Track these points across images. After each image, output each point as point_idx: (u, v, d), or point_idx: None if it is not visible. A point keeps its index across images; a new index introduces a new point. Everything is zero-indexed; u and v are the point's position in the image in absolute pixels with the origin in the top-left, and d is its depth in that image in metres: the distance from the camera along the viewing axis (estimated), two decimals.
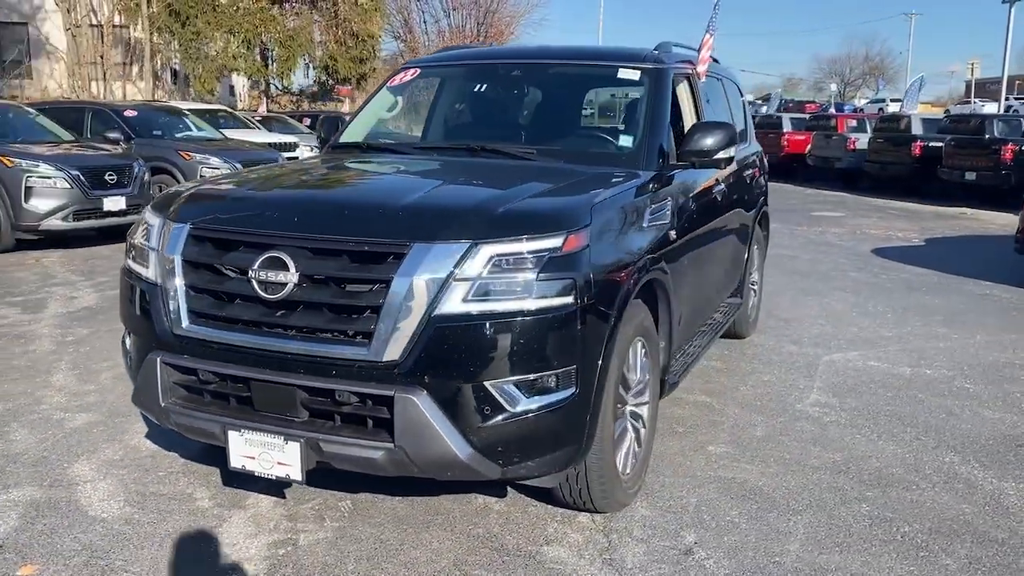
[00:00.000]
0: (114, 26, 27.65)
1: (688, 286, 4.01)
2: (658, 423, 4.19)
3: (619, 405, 3.24)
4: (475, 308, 2.67)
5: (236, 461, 2.90)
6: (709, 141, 3.87)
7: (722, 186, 4.64)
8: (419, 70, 4.75)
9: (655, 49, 4.52)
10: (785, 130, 23.11)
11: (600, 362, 2.90)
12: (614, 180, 3.50)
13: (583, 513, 3.30)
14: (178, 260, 2.99)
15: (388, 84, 4.71)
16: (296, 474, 2.81)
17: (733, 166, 5.08)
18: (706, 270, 4.42)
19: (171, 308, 2.98)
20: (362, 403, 2.77)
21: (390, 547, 3.05)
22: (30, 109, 11.41)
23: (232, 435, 2.88)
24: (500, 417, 2.72)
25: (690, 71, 4.66)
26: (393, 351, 2.67)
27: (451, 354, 2.68)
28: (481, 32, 42.29)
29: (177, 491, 3.46)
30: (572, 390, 2.81)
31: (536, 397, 2.76)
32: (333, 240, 2.79)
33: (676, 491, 3.56)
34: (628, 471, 3.38)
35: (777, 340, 6.04)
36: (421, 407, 2.66)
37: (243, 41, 27.38)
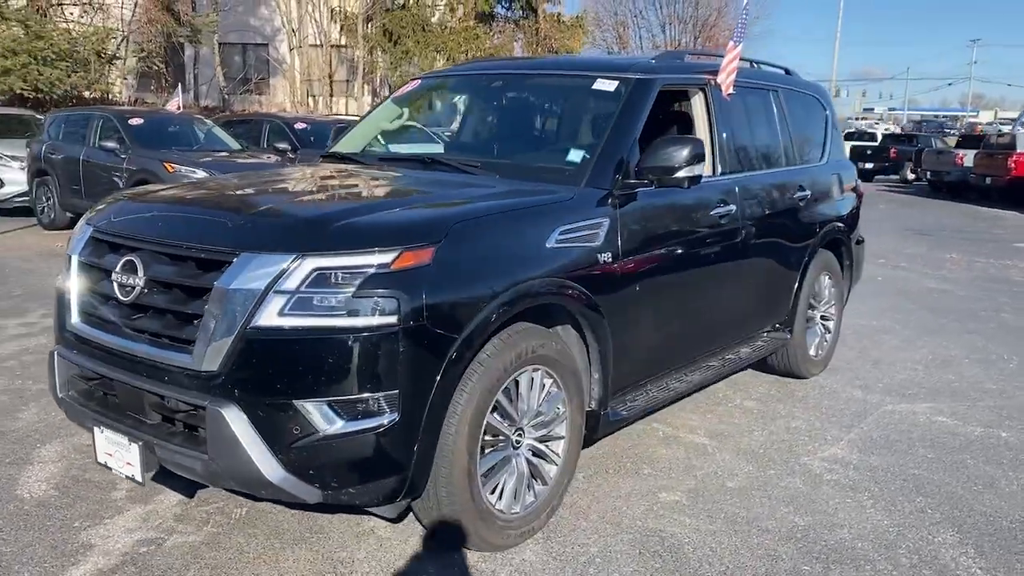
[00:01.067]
0: (333, 46, 29.84)
1: (648, 315, 3.67)
2: (626, 462, 3.92)
3: (494, 436, 3.01)
4: (290, 323, 2.59)
5: (100, 457, 2.99)
6: (667, 158, 3.53)
7: (731, 209, 4.19)
8: (420, 82, 4.71)
9: (654, 58, 4.20)
10: (1019, 150, 20.44)
11: (435, 389, 2.70)
12: (517, 196, 3.28)
13: (470, 551, 3.10)
14: (75, 260, 3.15)
15: (393, 96, 4.71)
16: (138, 475, 2.85)
17: (771, 191, 4.60)
18: (692, 300, 4.02)
19: (68, 305, 3.14)
20: (190, 411, 2.77)
21: (244, 559, 3.02)
22: (207, 121, 12.57)
23: (96, 431, 2.98)
24: (312, 438, 2.61)
25: (704, 83, 4.27)
26: (212, 361, 2.64)
27: (264, 369, 2.61)
28: (697, 46, 41.47)
29: (107, 480, 3.63)
30: (393, 416, 2.64)
31: (353, 421, 2.63)
32: (171, 245, 2.82)
33: (583, 537, 3.26)
34: (516, 510, 3.13)
35: (844, 383, 5.38)
36: (229, 421, 2.61)
37: (448, 59, 28.60)
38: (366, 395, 2.62)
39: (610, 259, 3.39)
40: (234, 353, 2.61)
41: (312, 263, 2.60)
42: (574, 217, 3.29)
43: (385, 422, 2.64)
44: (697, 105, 4.34)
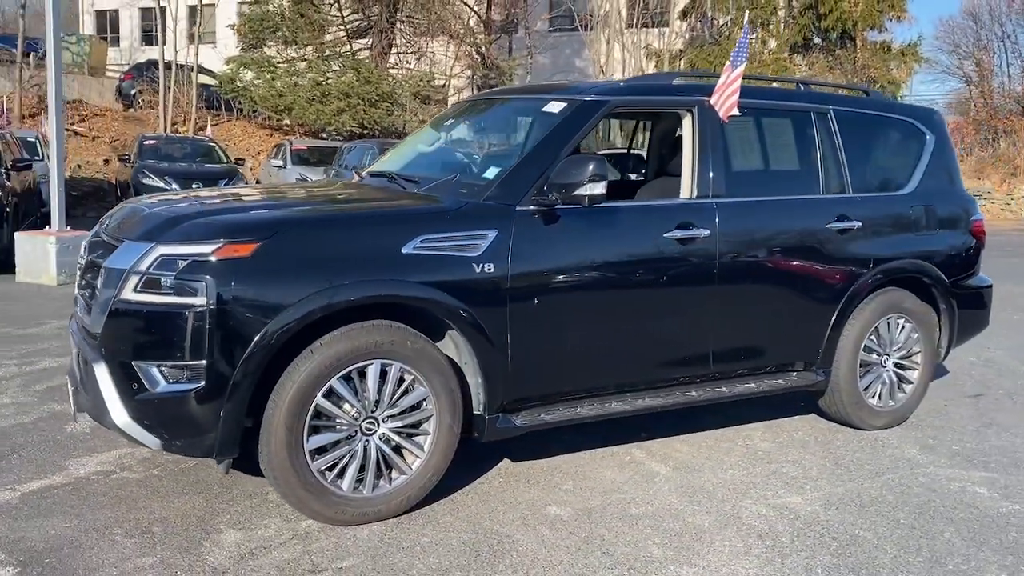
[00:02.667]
0: None
1: (557, 333, 3.76)
2: (556, 475, 4.05)
3: (328, 419, 3.35)
4: (138, 298, 3.21)
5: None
6: (568, 175, 3.63)
7: (702, 232, 4.07)
8: (449, 107, 5.14)
9: (625, 81, 4.25)
10: None
11: (241, 365, 3.14)
12: (389, 206, 3.61)
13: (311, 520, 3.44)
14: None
15: (431, 122, 5.19)
16: (71, 411, 3.63)
17: (779, 218, 4.37)
18: (627, 323, 3.97)
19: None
20: (87, 365, 3.48)
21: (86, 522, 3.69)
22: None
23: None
24: (147, 395, 3.20)
25: (692, 105, 4.22)
26: (96, 325, 3.34)
27: (120, 334, 3.25)
28: None
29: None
30: (200, 384, 3.13)
31: (172, 384, 3.17)
32: (112, 237, 3.54)
33: (431, 527, 3.46)
34: (362, 492, 3.43)
35: (905, 439, 4.79)
36: (97, 374, 3.29)
37: None
38: (181, 363, 3.14)
39: (493, 271, 3.56)
40: (106, 320, 3.27)
41: (159, 250, 3.19)
42: (445, 227, 3.52)
43: (194, 388, 3.13)
44: (686, 127, 4.27)
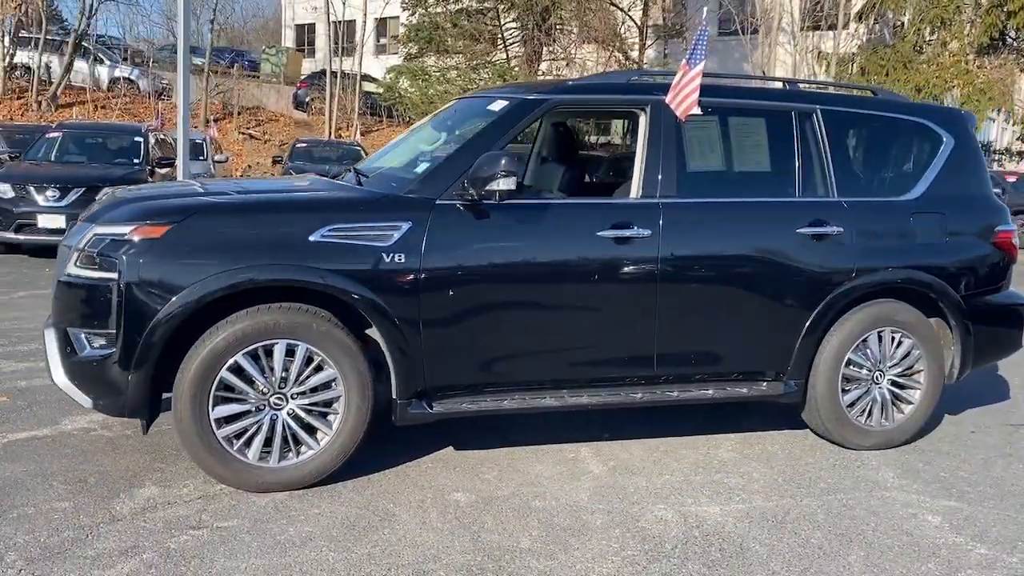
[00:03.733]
0: None
1: (474, 325, 3.88)
2: (484, 464, 4.14)
3: (234, 391, 3.63)
4: (75, 271, 3.64)
5: None
6: (479, 170, 3.74)
7: (643, 232, 4.04)
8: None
9: (574, 80, 4.29)
10: None
11: (145, 335, 3.48)
12: (312, 196, 3.86)
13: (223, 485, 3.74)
14: None
15: (427, 120, 5.39)
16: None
17: (739, 220, 4.26)
18: (551, 319, 4.00)
19: None
20: None
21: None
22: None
23: None
24: (77, 358, 3.62)
25: (644, 104, 4.21)
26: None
27: (61, 303, 3.70)
28: None
29: None
30: (113, 350, 3.51)
31: (92, 349, 3.57)
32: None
33: (310, 497, 3.66)
34: (269, 462, 3.69)
35: (884, 464, 4.48)
36: (46, 338, 3.76)
37: (928, 95, 26.15)
38: (99, 331, 3.53)
39: (404, 261, 3.72)
40: (55, 291, 3.73)
41: (94, 230, 3.61)
42: (355, 218, 3.72)
43: (108, 354, 3.51)
44: (640, 127, 4.25)
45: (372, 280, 3.69)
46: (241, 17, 48.51)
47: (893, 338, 4.56)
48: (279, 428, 3.71)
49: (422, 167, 4.04)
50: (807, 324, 4.36)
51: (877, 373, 4.57)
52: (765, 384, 4.46)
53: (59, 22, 31.65)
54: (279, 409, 3.71)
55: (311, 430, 3.76)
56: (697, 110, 4.19)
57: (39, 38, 24.34)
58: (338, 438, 3.77)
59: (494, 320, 3.91)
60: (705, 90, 4.26)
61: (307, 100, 27.91)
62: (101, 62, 26.65)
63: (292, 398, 3.71)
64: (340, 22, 29.83)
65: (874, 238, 4.47)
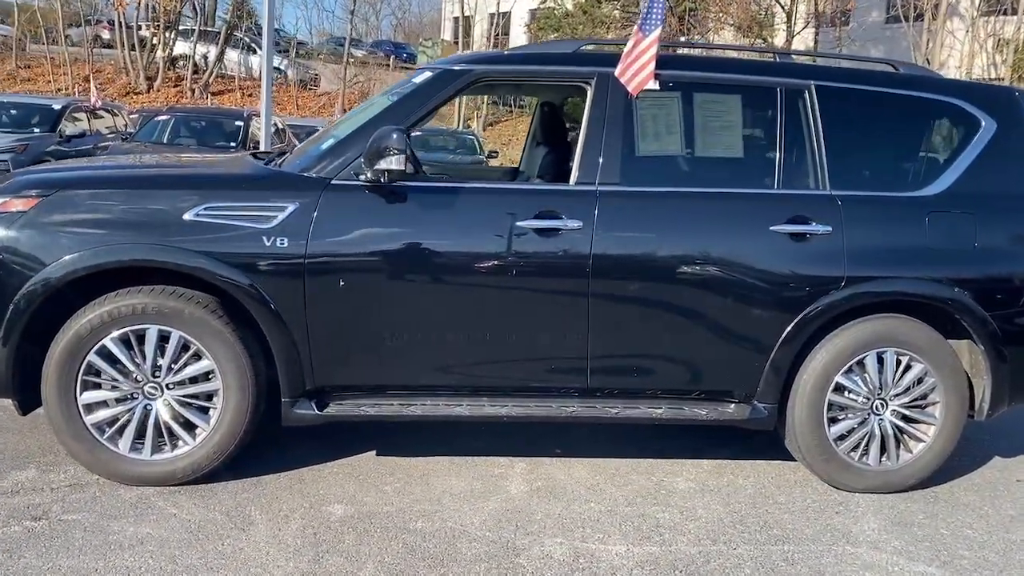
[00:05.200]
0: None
1: (370, 319, 3.51)
2: (396, 474, 3.80)
3: (102, 377, 3.42)
4: None
5: None
6: (370, 149, 3.36)
7: (573, 224, 3.53)
8: None
9: (510, 49, 3.80)
10: None
11: (11, 311, 3.32)
12: (182, 172, 3.62)
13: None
14: None
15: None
16: None
17: (694, 214, 3.66)
18: (457, 316, 3.55)
19: None
20: None
21: None
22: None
23: None
24: None
25: (589, 77, 3.69)
26: None
27: None
28: None
29: None
30: None
31: None
32: None
33: (179, 493, 3.41)
34: (143, 455, 3.47)
35: (874, 512, 3.73)
36: None
37: None
38: None
39: (286, 245, 3.40)
40: None
41: None
42: (234, 197, 3.43)
43: None
44: (586, 103, 3.72)
45: (249, 265, 3.38)
46: (418, 12, 49.91)
47: (899, 361, 3.79)
48: (152, 419, 3.47)
49: (327, 143, 3.68)
50: (780, 339, 3.68)
51: (877, 402, 3.82)
52: (732, 406, 3.82)
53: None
54: (153, 399, 3.47)
55: (189, 424, 3.50)
56: (652, 84, 3.62)
57: (198, 30, 25.82)
58: (214, 435, 3.49)
59: (394, 316, 3.51)
60: (666, 62, 3.69)
61: None
62: (253, 52, 27.95)
63: (168, 388, 3.46)
64: (497, 13, 30.02)
65: (873, 241, 3.71)
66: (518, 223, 3.51)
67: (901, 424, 3.84)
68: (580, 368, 3.66)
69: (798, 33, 25.19)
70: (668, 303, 3.62)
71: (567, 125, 4.94)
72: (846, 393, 3.79)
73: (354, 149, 3.50)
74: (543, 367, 3.66)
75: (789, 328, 3.67)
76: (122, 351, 3.39)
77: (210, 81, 25.25)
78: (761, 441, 4.21)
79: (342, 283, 3.43)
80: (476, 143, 18.07)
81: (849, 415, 3.81)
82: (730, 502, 3.70)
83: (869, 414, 3.82)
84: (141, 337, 3.40)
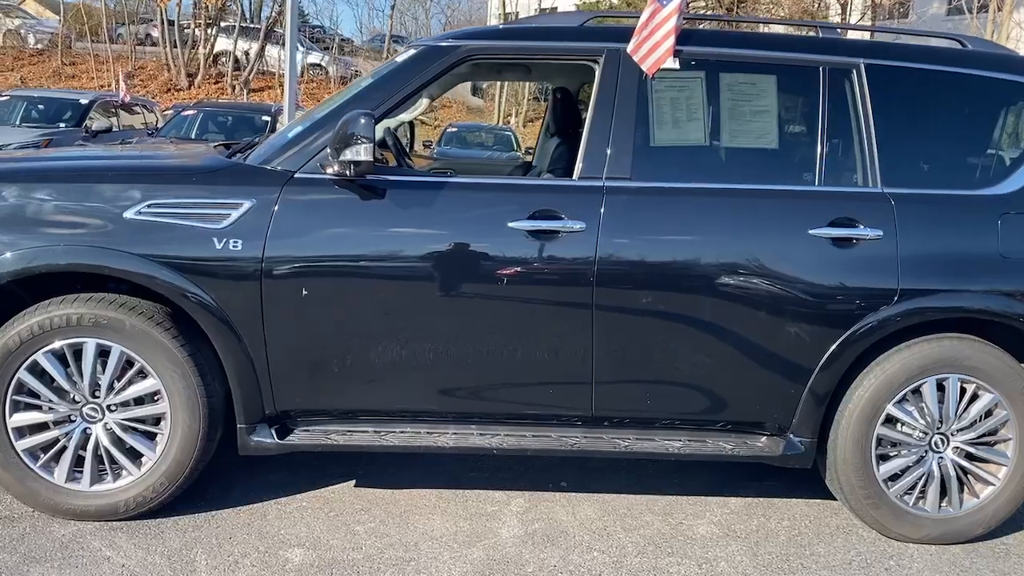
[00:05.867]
0: None
1: (340, 334, 3.04)
2: (348, 495, 3.33)
3: (42, 400, 3.00)
4: None
5: None
6: (335, 138, 2.89)
7: (574, 226, 3.02)
8: None
9: (505, 24, 3.30)
10: None
11: None
12: (126, 163, 3.19)
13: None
14: None
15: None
16: None
17: (716, 215, 3.13)
18: (445, 332, 3.06)
19: None
20: None
21: None
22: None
23: None
24: None
25: (598, 54, 3.19)
26: None
27: None
28: None
29: None
30: None
31: None
32: None
33: (119, 532, 2.98)
34: (79, 485, 3.05)
35: (933, 569, 3.16)
36: None
37: None
38: None
39: (240, 248, 2.95)
40: None
41: None
42: (182, 192, 2.98)
43: None
44: (594, 83, 3.21)
45: (197, 270, 2.93)
46: (467, 9, 49.71)
47: (963, 389, 3.20)
48: (91, 445, 3.04)
49: (293, 132, 3.21)
50: (820, 362, 3.12)
51: (936, 438, 3.24)
52: (762, 439, 3.27)
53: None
54: (93, 422, 3.04)
55: (134, 452, 3.07)
56: (672, 62, 3.10)
57: (238, 26, 25.75)
58: (162, 464, 3.05)
59: (366, 330, 3.03)
60: (688, 36, 3.16)
61: (484, 87, 27.75)
62: (295, 49, 27.80)
63: (109, 410, 3.03)
64: (540, 8, 29.53)
65: (933, 247, 3.14)
66: (510, 224, 3.01)
67: (965, 464, 3.25)
68: (583, 393, 3.14)
69: (854, 25, 24.18)
70: (687, 318, 3.09)
71: (583, 115, 4.41)
72: (899, 426, 3.21)
73: (321, 138, 3.03)
74: (541, 391, 3.16)
75: (831, 349, 3.11)
76: (56, 368, 2.97)
77: (250, 78, 25.14)
78: (798, 475, 3.64)
79: (305, 292, 2.97)
80: (513, 139, 17.60)
81: (902, 452, 3.24)
82: (758, 552, 3.15)
83: (927, 451, 3.24)
84: (78, 352, 2.97)
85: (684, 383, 3.17)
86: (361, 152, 2.80)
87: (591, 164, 3.09)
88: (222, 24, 26.48)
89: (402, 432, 3.16)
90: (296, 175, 3.01)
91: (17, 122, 12.05)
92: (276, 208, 2.96)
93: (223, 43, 26.54)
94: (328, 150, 2.93)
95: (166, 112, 16.47)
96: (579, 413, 3.19)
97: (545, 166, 4.19)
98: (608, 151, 3.09)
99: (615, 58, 3.13)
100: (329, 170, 2.96)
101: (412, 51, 3.24)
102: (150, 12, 29.03)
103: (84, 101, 12.34)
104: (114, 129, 12.22)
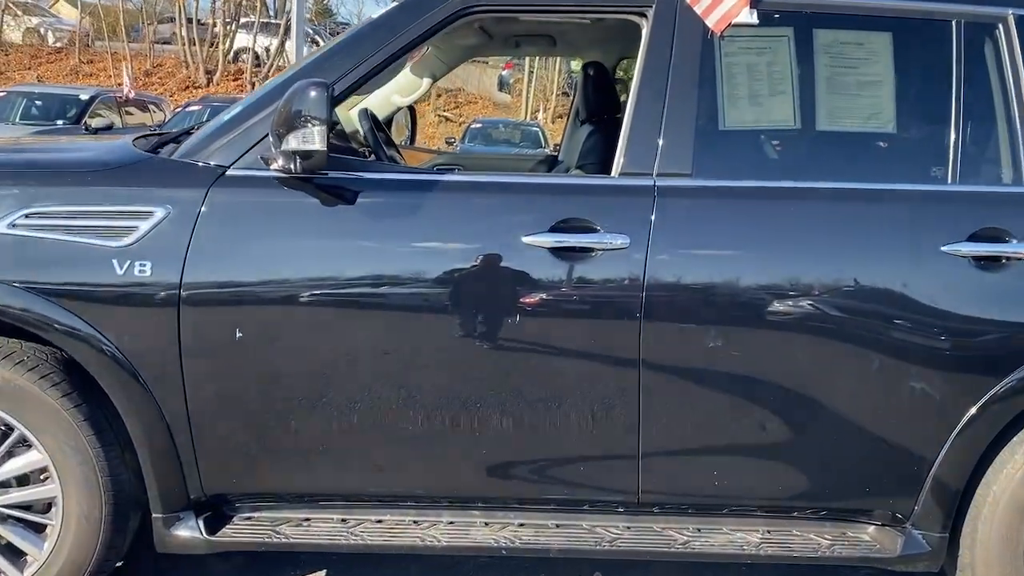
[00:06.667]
0: None
1: (290, 387, 2.22)
2: None
3: None
4: None
5: None
6: (280, 115, 2.07)
7: (615, 241, 2.17)
8: None
9: None
10: None
11: None
12: (19, 159, 2.35)
13: None
14: None
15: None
16: None
17: (818, 222, 2.26)
18: (444, 386, 2.23)
19: None
20: None
21: None
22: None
23: None
24: None
25: (644, 6, 2.32)
26: None
27: None
28: None
29: None
30: None
31: None
32: None
33: None
34: None
35: None
36: None
37: None
38: None
39: (149, 274, 2.13)
40: None
41: None
42: (72, 197, 2.17)
43: None
44: (640, 46, 2.35)
45: (91, 303, 2.12)
46: None
47: None
48: None
49: (227, 116, 2.37)
50: (955, 429, 2.24)
51: None
52: (868, 532, 2.40)
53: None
54: None
55: (14, 549, 2.26)
56: (747, 15, 2.24)
57: (258, 22, 25.18)
58: (52, 566, 2.24)
59: (326, 384, 2.20)
60: None
61: (511, 82, 26.89)
62: (316, 44, 27.14)
63: None
64: None
65: None
66: (525, 239, 2.15)
67: None
68: (627, 469, 2.28)
69: None
70: (769, 367, 2.23)
71: (622, 96, 3.57)
72: None
73: (263, 121, 2.20)
74: (568, 468, 2.31)
75: (971, 411, 2.23)
76: None
77: (270, 74, 24.47)
78: None
79: (240, 334, 2.14)
80: (541, 135, 16.76)
81: None
82: None
83: None
84: None
85: (765, 455, 2.30)
86: (312, 138, 1.96)
87: (637, 157, 2.24)
88: (242, 20, 25.86)
89: (379, 522, 2.33)
90: (228, 172, 2.19)
91: (16, 119, 11.49)
92: (200, 218, 2.14)
93: (243, 39, 25.92)
94: (269, 137, 2.09)
95: (178, 109, 15.85)
96: (620, 497, 2.33)
97: (574, 161, 3.34)
98: (660, 139, 2.23)
99: (669, 10, 2.28)
100: (273, 165, 2.13)
101: (395, 4, 2.38)
102: (172, 11, 28.56)
103: (84, 97, 11.72)
104: (116, 126, 11.56)
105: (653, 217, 2.18)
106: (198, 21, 25.85)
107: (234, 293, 2.14)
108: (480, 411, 2.22)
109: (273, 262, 2.15)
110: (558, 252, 2.16)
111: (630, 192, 2.22)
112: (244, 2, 25.35)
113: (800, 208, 2.24)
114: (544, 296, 2.17)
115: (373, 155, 2.62)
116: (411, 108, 3.99)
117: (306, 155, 2.01)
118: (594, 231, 2.17)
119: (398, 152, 2.97)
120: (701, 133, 2.24)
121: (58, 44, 26.30)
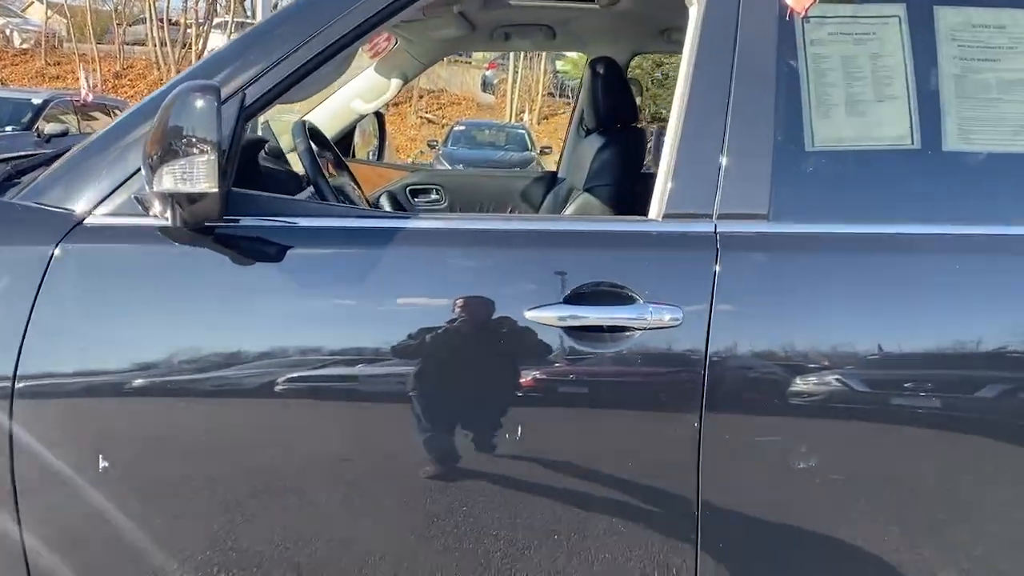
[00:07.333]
0: None
1: (191, 503, 1.51)
2: None
3: None
4: None
5: None
6: (156, 134, 1.35)
7: (666, 316, 1.47)
8: None
9: None
10: None
11: None
12: None
13: None
14: None
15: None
16: None
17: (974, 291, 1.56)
18: (416, 506, 1.52)
19: None
20: None
21: None
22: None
23: None
24: None
25: None
26: None
27: None
28: None
29: None
30: None
31: None
32: None
33: None
34: None
35: None
36: None
37: None
38: None
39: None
40: None
41: None
42: None
43: None
44: (688, 32, 1.65)
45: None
46: None
47: None
48: None
49: (89, 141, 1.64)
50: None
51: None
52: None
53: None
54: None
55: None
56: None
57: (232, 21, 24.37)
58: None
59: (247, 506, 1.49)
60: None
61: (495, 82, 26.18)
62: None
63: None
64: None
65: None
66: (528, 314, 1.45)
67: None
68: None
69: None
70: (883, 498, 1.53)
71: (637, 100, 2.88)
72: None
73: (137, 144, 1.49)
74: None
75: None
76: None
77: None
78: None
79: (105, 462, 1.43)
80: (527, 138, 16.09)
81: None
82: None
83: None
84: None
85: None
86: (196, 173, 1.25)
87: (687, 192, 1.54)
88: (216, 20, 25.01)
89: None
90: (87, 220, 1.48)
91: None
92: (43, 284, 1.42)
93: (217, 39, 25.05)
94: (142, 170, 1.38)
95: None
96: None
97: (580, 180, 2.63)
98: (721, 166, 1.53)
99: None
100: (152, 210, 1.41)
101: None
102: (143, 13, 27.68)
103: (37, 101, 10.89)
104: (72, 132, 10.75)
105: (716, 279, 1.48)
106: (170, 21, 24.96)
107: (94, 393, 1.43)
108: (479, 536, 1.53)
109: (154, 348, 1.44)
110: (577, 333, 1.46)
111: (680, 243, 1.52)
112: (217, 1, 24.46)
113: (925, 264, 1.55)
114: (559, 394, 1.47)
115: (311, 185, 1.90)
116: (379, 115, 3.29)
117: (193, 199, 1.30)
118: (630, 301, 1.47)
119: (352, 178, 2.26)
120: (780, 157, 1.55)
121: (24, 46, 25.34)
